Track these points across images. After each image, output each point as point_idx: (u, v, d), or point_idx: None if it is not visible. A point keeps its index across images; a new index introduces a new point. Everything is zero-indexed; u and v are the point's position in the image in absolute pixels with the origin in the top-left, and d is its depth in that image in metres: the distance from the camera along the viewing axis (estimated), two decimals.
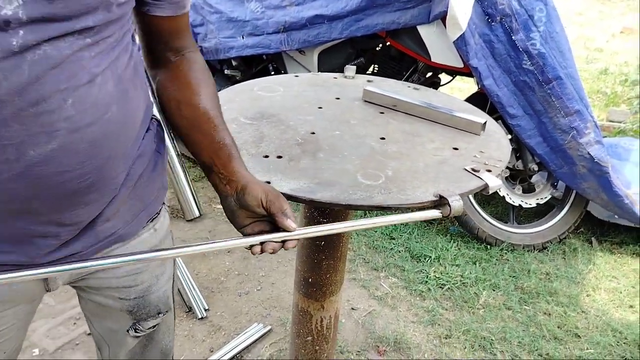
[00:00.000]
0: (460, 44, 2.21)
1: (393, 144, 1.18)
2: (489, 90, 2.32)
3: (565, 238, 2.73)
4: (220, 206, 2.96)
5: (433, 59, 2.50)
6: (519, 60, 2.25)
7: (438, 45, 2.44)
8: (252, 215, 0.86)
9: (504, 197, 2.69)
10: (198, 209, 2.84)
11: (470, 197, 2.66)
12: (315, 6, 2.54)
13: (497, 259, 2.60)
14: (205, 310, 2.17)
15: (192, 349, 1.98)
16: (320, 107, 1.36)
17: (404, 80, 2.65)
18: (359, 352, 2.00)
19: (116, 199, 0.82)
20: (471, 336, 2.09)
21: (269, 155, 1.09)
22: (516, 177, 2.74)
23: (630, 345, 2.11)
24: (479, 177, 1.05)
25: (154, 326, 1.09)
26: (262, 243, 0.84)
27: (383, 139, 1.21)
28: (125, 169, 0.81)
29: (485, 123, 1.27)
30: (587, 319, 2.25)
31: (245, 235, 0.87)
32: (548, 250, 2.70)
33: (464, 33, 2.17)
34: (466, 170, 1.08)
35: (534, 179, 2.75)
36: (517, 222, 2.80)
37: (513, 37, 2.21)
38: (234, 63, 3.02)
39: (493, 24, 2.22)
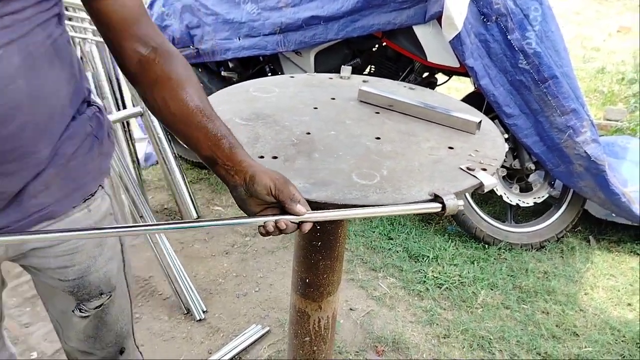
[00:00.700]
0: (456, 43, 2.21)
1: (388, 143, 1.18)
2: (485, 90, 2.32)
3: (562, 237, 2.74)
4: (217, 208, 2.97)
5: (429, 59, 2.50)
6: (514, 60, 2.25)
7: (434, 45, 2.44)
8: (262, 203, 0.87)
9: (501, 196, 2.69)
10: (196, 210, 2.84)
11: (468, 196, 2.66)
12: (311, 7, 2.54)
13: (495, 258, 2.60)
14: (204, 312, 2.17)
15: (191, 351, 1.98)
16: (315, 108, 1.36)
17: (401, 81, 2.65)
18: (357, 352, 2.00)
19: (43, 175, 0.85)
20: (469, 335, 2.10)
21: (264, 155, 1.09)
22: (513, 176, 2.74)
23: (629, 343, 2.11)
24: (474, 175, 1.05)
25: (99, 306, 1.10)
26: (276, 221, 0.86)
27: (378, 138, 1.21)
28: (48, 145, 0.84)
29: (480, 122, 1.27)
30: (585, 317, 2.25)
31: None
32: (546, 249, 2.70)
33: (459, 33, 2.17)
34: (461, 169, 1.08)
35: (531, 178, 2.75)
36: (514, 221, 2.81)
37: (509, 37, 2.21)
38: (230, 65, 3.02)
39: (489, 23, 2.23)
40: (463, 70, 2.47)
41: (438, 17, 2.26)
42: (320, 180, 1.01)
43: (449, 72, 2.73)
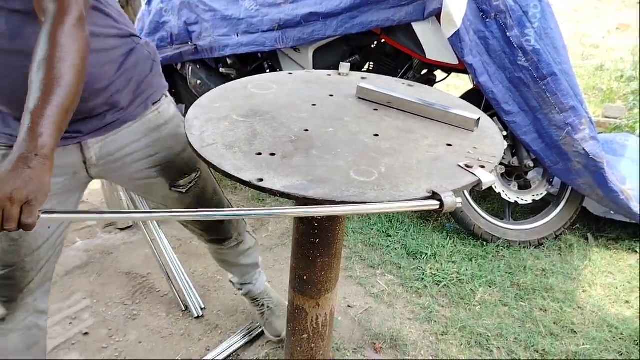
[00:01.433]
0: (455, 40, 2.20)
1: (386, 140, 1.18)
2: (484, 87, 2.32)
3: (561, 234, 2.74)
4: None
5: (428, 56, 2.50)
6: (513, 57, 2.25)
7: (433, 42, 2.44)
8: None
9: (499, 193, 2.69)
10: None
11: (467, 193, 2.66)
12: (310, 4, 2.53)
13: (493, 256, 2.60)
14: (202, 309, 2.17)
15: (189, 348, 1.98)
16: (313, 105, 1.35)
17: (400, 78, 2.65)
18: (355, 349, 2.00)
19: (123, 92, 1.25)
20: (467, 333, 2.10)
21: (262, 152, 1.09)
22: (512, 173, 2.74)
23: (627, 341, 2.11)
24: (472, 173, 1.05)
25: (191, 183, 1.46)
26: None
27: (377, 135, 1.20)
28: (120, 76, 1.23)
29: (478, 119, 1.27)
30: (583, 314, 2.25)
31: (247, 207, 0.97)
32: (544, 247, 2.70)
33: (458, 30, 2.17)
34: (459, 166, 1.08)
35: (529, 175, 2.75)
36: (513, 219, 2.80)
37: (508, 34, 2.21)
38: (229, 61, 3.01)
39: (488, 20, 2.22)
40: (462, 68, 2.47)
41: (437, 14, 2.25)
42: (318, 177, 1.01)
43: (448, 69, 2.72)
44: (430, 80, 2.83)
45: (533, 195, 2.72)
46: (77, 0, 0.97)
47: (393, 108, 1.37)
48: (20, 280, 1.29)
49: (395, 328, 2.10)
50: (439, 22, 2.23)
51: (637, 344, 2.10)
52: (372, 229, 2.76)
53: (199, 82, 2.95)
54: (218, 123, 1.21)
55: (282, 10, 2.60)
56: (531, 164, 2.62)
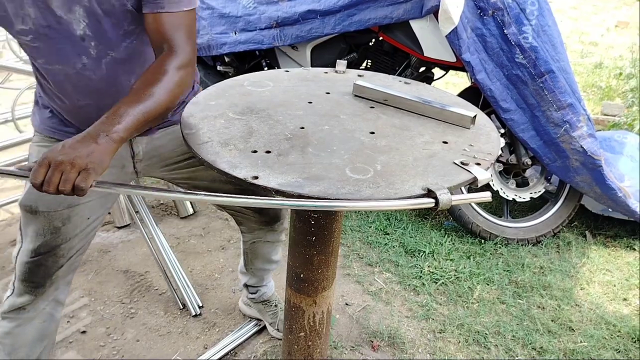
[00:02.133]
0: (453, 38, 2.20)
1: (382, 138, 1.18)
2: (482, 85, 2.31)
3: (559, 232, 2.74)
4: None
5: (426, 54, 2.50)
6: (511, 54, 2.24)
7: (431, 39, 2.43)
8: None
9: (498, 191, 2.69)
10: (192, 206, 2.84)
11: (464, 191, 2.65)
12: (308, 1, 2.53)
13: (491, 253, 2.60)
14: (200, 307, 2.16)
15: (187, 346, 1.98)
16: (310, 102, 1.35)
17: (397, 76, 2.64)
18: (353, 347, 2.00)
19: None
20: (465, 330, 2.10)
21: (258, 150, 1.08)
22: (510, 171, 2.74)
23: (624, 338, 2.12)
24: (468, 170, 1.05)
25: None
26: None
27: (373, 133, 1.20)
28: None
29: (475, 117, 1.26)
30: (581, 312, 2.25)
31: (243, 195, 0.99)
32: (542, 244, 2.70)
33: (456, 27, 2.16)
34: (455, 163, 1.08)
35: (527, 173, 2.75)
36: (511, 217, 2.80)
37: (505, 31, 2.20)
38: (226, 59, 3.00)
39: (485, 17, 2.22)
40: (460, 65, 2.46)
41: (435, 12, 2.25)
42: (313, 174, 1.00)
43: (446, 66, 2.72)
44: (428, 78, 2.83)
45: (531, 193, 2.72)
46: (188, 48, 1.14)
47: (389, 105, 1.37)
48: (51, 266, 1.36)
49: (393, 326, 2.10)
50: (437, 19, 2.23)
51: (635, 342, 2.10)
52: (370, 227, 2.76)
53: None
54: (214, 121, 1.20)
55: (280, 8, 2.60)
56: (529, 162, 2.62)
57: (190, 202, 2.82)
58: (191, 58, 1.16)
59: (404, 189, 0.98)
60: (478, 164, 1.08)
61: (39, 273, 1.36)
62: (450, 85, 4.82)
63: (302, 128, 1.20)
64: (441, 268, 2.45)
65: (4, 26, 1.13)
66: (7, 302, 1.41)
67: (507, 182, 2.73)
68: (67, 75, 1.18)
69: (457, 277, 2.40)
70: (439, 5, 2.16)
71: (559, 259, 2.61)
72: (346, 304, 2.23)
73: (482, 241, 2.67)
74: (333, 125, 1.22)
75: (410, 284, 2.35)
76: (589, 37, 7.10)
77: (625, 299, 2.36)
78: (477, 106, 2.18)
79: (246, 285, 2.01)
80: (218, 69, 3.05)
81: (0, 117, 3.50)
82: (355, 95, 1.42)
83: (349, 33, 2.60)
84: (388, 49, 2.75)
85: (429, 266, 2.46)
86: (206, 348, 1.97)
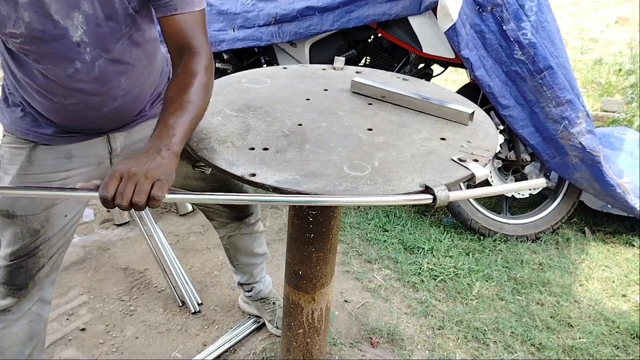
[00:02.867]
0: (452, 34, 2.19)
1: (380, 135, 1.18)
2: (481, 81, 2.31)
3: (558, 228, 2.74)
4: None
5: (424, 50, 2.49)
6: (510, 51, 2.24)
7: (429, 36, 2.43)
8: None
9: None
10: (192, 205, 2.84)
11: (463, 187, 2.65)
12: None
13: (490, 250, 2.60)
14: (199, 304, 2.17)
15: (186, 343, 1.98)
16: (307, 99, 1.35)
17: (396, 72, 2.64)
18: (352, 344, 2.00)
19: (152, 102, 1.39)
20: (464, 327, 2.10)
21: (255, 147, 1.08)
22: (509, 167, 2.74)
23: (623, 334, 2.12)
24: (465, 167, 1.05)
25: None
26: None
27: (370, 130, 1.20)
28: (148, 99, 1.37)
29: (473, 113, 1.26)
30: (580, 308, 2.25)
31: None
32: (541, 241, 2.70)
33: (454, 23, 2.16)
34: (453, 160, 1.08)
35: (526, 169, 2.74)
36: (510, 213, 2.80)
37: (504, 27, 2.20)
38: (225, 56, 3.00)
39: (484, 14, 2.21)
40: (459, 62, 2.46)
41: (433, 8, 2.24)
42: (311, 171, 1.00)
43: (445, 63, 2.72)
44: (427, 75, 2.82)
45: (530, 190, 2.72)
46: (207, 47, 1.16)
47: (387, 102, 1.37)
48: (32, 267, 1.35)
49: (392, 323, 2.11)
50: (435, 16, 2.22)
51: (634, 338, 2.10)
52: (369, 224, 2.76)
53: None
54: (211, 118, 1.20)
55: (278, 5, 2.59)
56: (528, 158, 2.62)
57: None
58: (211, 56, 1.17)
59: (401, 186, 0.98)
60: (476, 160, 1.08)
61: (20, 276, 1.35)
62: (449, 81, 4.81)
63: (300, 125, 1.19)
64: (440, 265, 2.45)
65: None
66: None
67: (506, 179, 2.73)
68: (57, 76, 1.16)
69: (456, 274, 2.40)
70: (437, 1, 2.16)
71: (558, 256, 2.61)
72: (345, 301, 2.23)
73: (481, 238, 2.67)
74: (331, 122, 1.22)
75: (410, 281, 2.35)
76: (589, 33, 7.08)
77: (624, 295, 2.37)
78: (476, 103, 2.18)
79: (240, 284, 2.01)
80: (217, 66, 3.04)
81: None
82: (353, 92, 1.42)
83: (348, 30, 2.60)
84: (387, 46, 2.75)
85: (428, 263, 2.46)
86: (205, 345, 1.97)
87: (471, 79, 2.57)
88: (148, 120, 1.42)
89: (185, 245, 2.57)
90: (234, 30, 2.70)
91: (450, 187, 0.97)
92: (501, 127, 2.57)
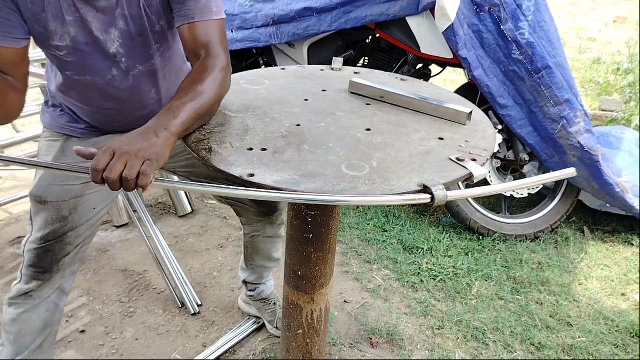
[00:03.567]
0: (449, 34, 2.20)
1: (379, 135, 1.18)
2: (479, 81, 2.31)
3: (557, 228, 2.74)
4: (212, 202, 2.95)
5: (423, 51, 2.49)
6: (508, 50, 2.24)
7: (427, 36, 2.43)
8: None
9: None
10: (190, 205, 2.84)
11: (462, 187, 2.66)
12: None
13: (489, 250, 2.60)
14: (199, 305, 2.17)
15: (185, 345, 1.98)
16: (306, 100, 1.35)
17: (395, 73, 2.64)
18: (351, 344, 2.00)
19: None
20: (464, 327, 2.10)
21: (254, 148, 1.08)
22: (508, 167, 2.74)
23: (622, 333, 2.12)
24: (463, 166, 1.05)
25: None
26: None
27: (369, 130, 1.20)
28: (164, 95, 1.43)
29: (471, 113, 1.26)
30: (579, 307, 2.26)
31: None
32: (540, 240, 2.71)
33: (452, 24, 2.16)
34: (451, 160, 1.08)
35: (525, 169, 2.75)
36: (509, 213, 2.81)
37: (502, 27, 2.20)
38: None
39: (482, 14, 2.21)
40: (457, 62, 2.46)
41: (431, 8, 2.25)
42: (309, 172, 1.00)
43: (443, 63, 2.72)
44: (425, 75, 2.82)
45: (529, 189, 2.72)
46: (224, 53, 1.20)
47: (386, 102, 1.37)
48: (58, 252, 1.44)
49: (392, 323, 2.11)
50: (433, 16, 2.22)
51: (633, 337, 2.10)
52: (369, 225, 2.76)
53: None
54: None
55: (276, 6, 2.59)
56: (527, 158, 2.62)
57: (189, 201, 2.82)
58: (229, 62, 1.21)
59: (399, 186, 0.98)
60: (474, 160, 1.08)
61: (47, 259, 1.43)
62: (448, 82, 4.82)
63: (298, 125, 1.20)
64: (439, 265, 2.45)
65: (38, 40, 1.21)
66: (14, 288, 1.48)
67: (505, 179, 2.73)
68: (95, 84, 1.29)
69: (456, 274, 2.40)
70: (435, 2, 2.16)
71: (557, 255, 2.61)
72: (345, 302, 2.23)
73: (481, 237, 2.67)
74: (329, 123, 1.22)
75: (409, 281, 2.35)
76: (587, 32, 7.09)
77: (623, 294, 2.37)
78: (475, 103, 2.18)
79: (245, 282, 2.01)
80: None
81: None
82: (352, 93, 1.42)
83: (346, 30, 2.60)
84: (385, 46, 2.75)
85: (427, 263, 2.46)
86: (205, 346, 1.97)
87: (469, 79, 2.57)
88: None
89: (185, 247, 2.57)
90: (232, 32, 2.71)
91: (448, 186, 0.97)
92: (500, 127, 2.58)
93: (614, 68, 5.47)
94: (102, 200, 1.48)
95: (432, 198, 0.93)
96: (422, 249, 2.56)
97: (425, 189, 0.95)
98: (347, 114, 1.28)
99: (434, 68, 2.86)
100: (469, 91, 2.54)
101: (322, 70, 1.61)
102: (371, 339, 2.03)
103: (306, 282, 1.38)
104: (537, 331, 2.10)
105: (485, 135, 1.22)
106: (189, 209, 2.84)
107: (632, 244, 2.72)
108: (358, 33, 2.73)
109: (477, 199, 2.75)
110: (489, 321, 2.13)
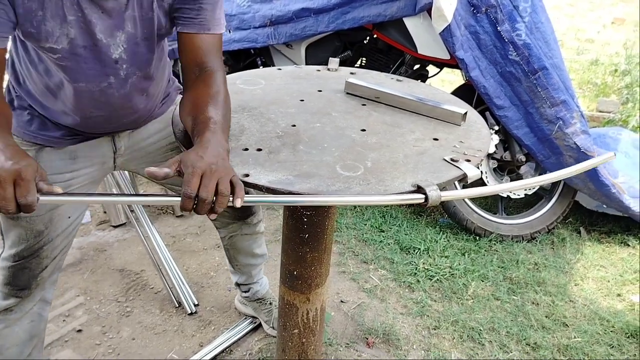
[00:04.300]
0: (446, 35, 2.21)
1: (373, 135, 1.18)
2: (476, 82, 2.32)
3: (553, 228, 2.75)
4: None
5: (420, 51, 2.50)
6: (504, 51, 2.25)
7: (424, 37, 2.44)
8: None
9: None
10: None
11: (458, 187, 2.66)
12: None
13: (485, 250, 2.61)
14: (195, 305, 2.17)
15: (182, 344, 1.98)
16: (302, 100, 1.36)
17: (392, 73, 2.65)
18: (348, 344, 2.01)
19: (159, 105, 1.44)
20: (460, 327, 2.11)
21: (249, 148, 1.09)
22: (504, 168, 2.75)
23: (618, 334, 2.13)
24: (457, 167, 1.06)
25: None
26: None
27: (364, 130, 1.21)
28: (160, 97, 1.42)
29: (465, 113, 1.27)
30: (575, 308, 2.26)
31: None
32: (537, 241, 2.71)
33: (449, 24, 2.17)
34: (445, 160, 1.08)
35: (522, 169, 2.76)
36: (505, 213, 2.81)
37: (498, 28, 2.21)
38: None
39: (478, 15, 2.22)
40: (454, 63, 2.47)
41: (428, 9, 2.25)
42: (304, 172, 1.01)
43: (440, 64, 2.73)
44: (422, 76, 2.83)
45: (525, 190, 2.73)
46: (222, 66, 1.20)
47: (381, 103, 1.37)
48: (35, 268, 1.37)
49: (388, 323, 2.11)
50: (430, 17, 2.23)
51: (629, 337, 2.11)
52: (365, 225, 2.76)
53: None
54: None
55: (274, 6, 2.60)
56: (523, 159, 2.63)
57: None
58: (225, 75, 1.22)
59: (393, 186, 0.98)
60: (468, 160, 1.09)
61: (23, 276, 1.37)
62: (445, 82, 4.83)
63: (294, 126, 1.20)
64: (436, 265, 2.46)
65: (30, 41, 1.11)
66: None
67: (502, 179, 2.74)
68: (89, 91, 1.20)
69: (452, 274, 2.41)
70: (432, 2, 2.17)
71: (553, 255, 2.62)
72: (341, 301, 2.24)
73: (477, 238, 2.68)
74: (324, 123, 1.23)
75: (405, 281, 2.36)
76: (585, 34, 7.10)
77: (619, 295, 2.38)
78: (471, 103, 2.19)
79: (237, 284, 2.01)
80: None
81: None
82: (347, 93, 1.43)
83: (343, 31, 2.60)
84: (382, 47, 2.76)
85: (423, 263, 2.47)
86: (202, 346, 1.97)
87: (466, 80, 2.58)
88: (151, 120, 1.45)
89: (182, 247, 2.57)
90: (229, 32, 2.71)
91: (442, 187, 0.98)
92: (496, 128, 2.58)
93: (612, 69, 5.48)
94: (76, 209, 1.40)
95: (426, 198, 0.94)
96: (419, 249, 2.57)
97: (419, 189, 0.96)
98: (342, 115, 1.29)
99: (432, 69, 2.87)
100: (466, 92, 2.55)
101: (319, 70, 1.62)
102: (367, 338, 2.04)
103: (302, 281, 1.39)
104: (532, 331, 2.11)
105: (479, 135, 1.22)
106: None
107: (628, 245, 2.72)
108: (355, 34, 2.73)
109: (474, 200, 2.76)
110: (485, 321, 2.14)
